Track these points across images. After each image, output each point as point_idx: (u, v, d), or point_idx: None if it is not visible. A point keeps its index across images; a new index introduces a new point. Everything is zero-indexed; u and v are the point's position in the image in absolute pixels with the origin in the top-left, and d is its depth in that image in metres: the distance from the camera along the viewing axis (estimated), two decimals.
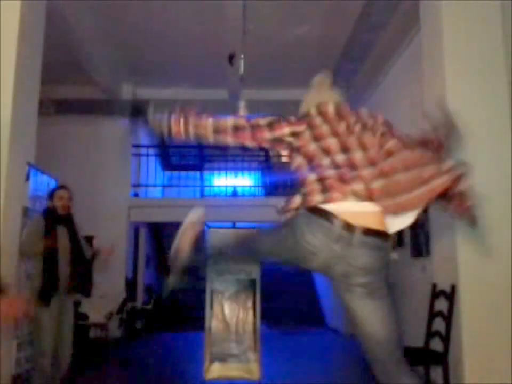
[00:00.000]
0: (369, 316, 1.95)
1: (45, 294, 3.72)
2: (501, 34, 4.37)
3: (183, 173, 11.73)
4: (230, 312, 5.29)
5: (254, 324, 5.25)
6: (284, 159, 13.93)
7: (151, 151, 10.34)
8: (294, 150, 2.13)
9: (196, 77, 8.84)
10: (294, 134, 2.11)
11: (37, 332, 3.72)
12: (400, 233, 6.28)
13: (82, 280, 4.01)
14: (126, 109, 9.12)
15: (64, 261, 3.87)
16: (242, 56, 7.21)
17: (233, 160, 11.86)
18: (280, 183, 11.85)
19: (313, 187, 1.98)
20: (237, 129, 2.13)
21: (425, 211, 5.45)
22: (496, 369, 3.93)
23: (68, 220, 4.04)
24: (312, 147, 2.05)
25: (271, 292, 10.76)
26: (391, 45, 6.50)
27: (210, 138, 2.19)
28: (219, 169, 11.38)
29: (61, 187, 4.19)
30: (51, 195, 4.06)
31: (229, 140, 2.15)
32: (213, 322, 5.26)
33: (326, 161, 2.01)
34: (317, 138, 2.07)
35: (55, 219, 3.93)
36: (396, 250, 6.82)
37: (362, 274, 1.93)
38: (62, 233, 3.94)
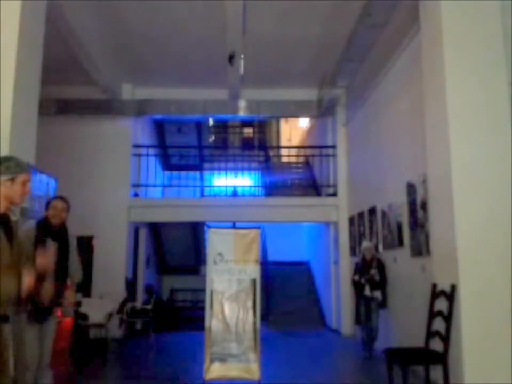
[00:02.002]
0: None
1: (35, 312, 3.52)
2: (501, 34, 4.37)
3: (183, 173, 11.72)
4: (230, 312, 5.28)
5: (254, 323, 5.25)
6: (284, 159, 13.99)
7: (151, 151, 10.34)
8: None
9: (196, 77, 8.85)
10: None
11: (21, 346, 3.63)
12: (400, 233, 6.29)
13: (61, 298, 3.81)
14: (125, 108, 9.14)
15: (49, 276, 3.76)
16: (242, 56, 7.22)
17: (233, 160, 11.87)
18: (280, 183, 11.86)
19: None
20: None
21: (425, 210, 5.42)
22: (496, 369, 3.93)
23: (60, 233, 3.87)
24: None
25: (272, 292, 10.78)
26: (391, 45, 6.50)
27: None
28: (219, 169, 11.37)
29: (58, 197, 4.09)
30: (47, 204, 3.95)
31: None
32: (213, 322, 5.26)
33: None
34: None
35: (47, 230, 3.77)
36: (396, 250, 6.79)
37: None
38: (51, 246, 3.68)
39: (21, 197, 2.80)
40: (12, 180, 2.75)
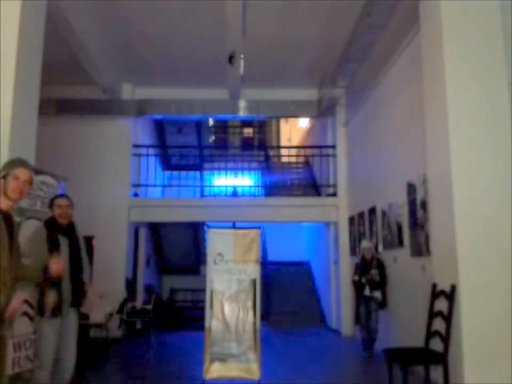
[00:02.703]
0: None
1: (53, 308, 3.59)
2: (501, 34, 4.37)
3: (183, 173, 11.72)
4: (230, 312, 5.28)
5: (254, 323, 5.25)
6: (284, 159, 13.98)
7: (151, 151, 10.34)
8: None
9: (196, 77, 8.85)
10: None
11: (39, 344, 3.61)
12: (400, 233, 6.29)
13: (81, 295, 3.89)
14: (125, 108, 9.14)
15: (66, 274, 3.66)
16: (242, 56, 7.21)
17: (233, 160, 11.86)
18: (280, 183, 11.85)
19: None
20: None
21: (425, 210, 5.42)
22: (496, 369, 3.93)
23: (69, 230, 3.90)
24: None
25: (272, 292, 10.77)
26: (391, 45, 6.50)
27: None
28: (219, 169, 11.37)
29: (59, 195, 4.11)
30: (51, 204, 3.95)
31: None
32: (213, 322, 5.26)
33: None
34: None
35: (56, 229, 3.79)
36: (396, 250, 6.78)
37: None
38: (64, 244, 3.79)
39: (13, 191, 2.79)
40: (5, 176, 2.81)
